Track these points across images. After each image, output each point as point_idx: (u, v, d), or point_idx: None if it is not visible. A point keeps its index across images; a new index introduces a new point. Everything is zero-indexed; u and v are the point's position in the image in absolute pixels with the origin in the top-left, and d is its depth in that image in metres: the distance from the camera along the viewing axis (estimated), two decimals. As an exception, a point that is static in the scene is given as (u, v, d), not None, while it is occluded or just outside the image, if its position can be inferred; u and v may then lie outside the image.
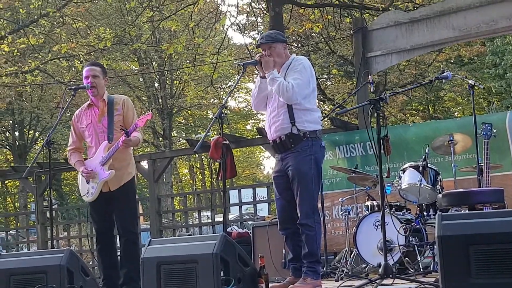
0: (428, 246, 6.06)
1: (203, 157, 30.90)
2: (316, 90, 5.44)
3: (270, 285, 4.80)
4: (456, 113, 24.10)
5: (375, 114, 4.89)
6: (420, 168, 6.28)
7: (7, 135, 26.26)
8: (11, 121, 26.02)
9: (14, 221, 21.62)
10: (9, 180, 26.09)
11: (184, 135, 29.89)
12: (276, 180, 5.31)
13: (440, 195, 6.03)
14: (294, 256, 5.24)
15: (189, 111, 26.88)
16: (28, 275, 5.25)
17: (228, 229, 8.85)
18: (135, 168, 6.07)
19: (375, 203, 6.62)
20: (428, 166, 6.33)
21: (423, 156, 6.37)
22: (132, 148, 6.00)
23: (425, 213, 6.28)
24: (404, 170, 6.43)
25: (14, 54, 15.98)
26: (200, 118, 28.58)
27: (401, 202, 6.59)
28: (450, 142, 6.48)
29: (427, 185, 6.23)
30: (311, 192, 5.13)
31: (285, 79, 5.15)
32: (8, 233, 12.83)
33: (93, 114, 5.89)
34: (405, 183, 6.31)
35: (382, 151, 4.97)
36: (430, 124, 10.39)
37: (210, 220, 9.99)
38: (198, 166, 34.38)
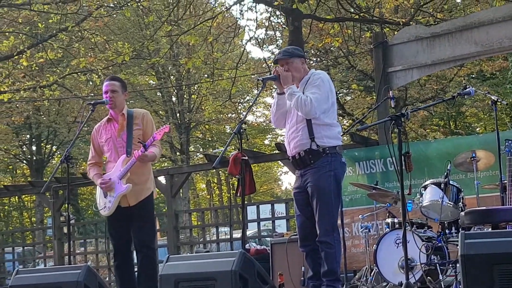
0: (450, 265, 6.00)
1: (220, 172, 30.94)
2: (336, 105, 5.44)
3: (289, 303, 4.78)
4: (477, 129, 23.92)
5: (396, 130, 4.87)
6: (442, 185, 6.23)
7: (24, 149, 26.48)
8: (28, 136, 26.26)
9: (31, 236, 21.78)
10: (26, 195, 26.32)
11: (201, 149, 29.98)
12: (296, 197, 5.31)
13: (462, 213, 5.96)
14: (314, 274, 5.22)
15: (206, 126, 26.98)
16: (45, 291, 5.28)
17: (246, 246, 8.84)
18: (154, 183, 6.08)
19: (396, 220, 6.57)
20: (450, 183, 6.28)
21: (445, 173, 6.33)
22: (151, 163, 6.02)
23: (447, 231, 6.23)
24: (425, 187, 6.38)
25: (33, 68, 16.18)
26: (218, 133, 28.67)
27: (423, 220, 6.54)
28: (472, 158, 6.43)
29: (449, 202, 6.18)
30: (330, 209, 5.11)
31: (303, 94, 5.16)
32: (25, 248, 12.90)
33: (113, 129, 5.92)
34: (426, 200, 6.27)
35: (404, 168, 4.94)
36: (452, 140, 10.34)
37: (228, 236, 9.97)
38: (216, 181, 34.42)
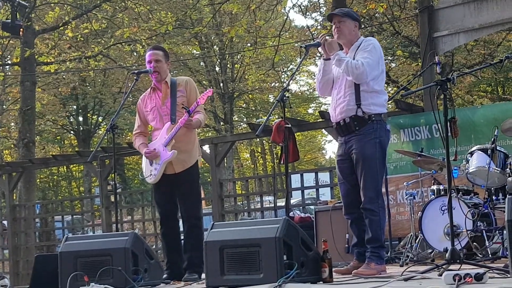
0: (497, 231, 5.94)
1: (264, 141, 31.00)
2: (385, 72, 5.37)
3: (334, 269, 4.80)
4: (527, 95, 23.37)
5: (442, 96, 4.81)
6: (489, 151, 6.15)
7: (71, 120, 26.95)
8: (75, 106, 26.68)
9: (79, 205, 22.28)
10: (74, 165, 26.83)
11: (245, 119, 30.03)
12: (340, 164, 5.29)
13: (510, 179, 5.89)
14: (358, 241, 5.23)
15: (250, 95, 26.97)
16: (94, 257, 5.39)
17: (290, 214, 8.88)
18: (200, 152, 6.14)
19: (441, 187, 6.53)
20: (497, 149, 6.19)
21: (492, 139, 6.23)
22: (196, 131, 6.07)
23: (493, 198, 6.16)
24: (471, 153, 6.31)
25: (78, 39, 16.36)
26: (261, 102, 28.64)
27: (469, 186, 6.48)
28: (521, 124, 6.30)
29: (496, 168, 6.09)
30: (375, 176, 5.09)
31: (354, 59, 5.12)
32: (74, 216, 13.19)
33: (157, 97, 5.98)
34: (473, 167, 6.20)
35: (449, 134, 4.89)
36: (499, 106, 10.15)
37: (272, 205, 10.02)
38: (259, 151, 34.52)
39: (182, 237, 6.08)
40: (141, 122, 6.13)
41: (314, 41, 5.47)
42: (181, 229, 6.14)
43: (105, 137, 6.29)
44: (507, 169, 6.10)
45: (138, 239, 5.49)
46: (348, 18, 5.24)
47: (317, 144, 37.30)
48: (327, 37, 5.21)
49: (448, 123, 4.83)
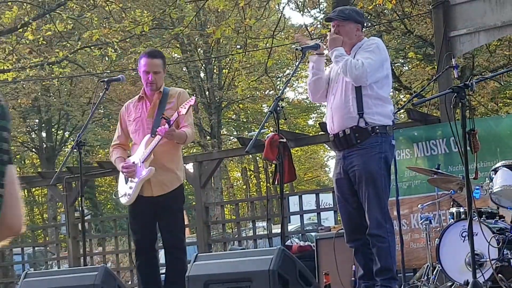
0: (527, 261, 5.95)
1: (257, 158, 31.04)
2: (391, 78, 5.40)
3: (337, 307, 4.81)
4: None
5: (460, 104, 4.83)
6: (516, 168, 6.17)
7: (33, 136, 26.88)
8: (37, 120, 26.65)
9: (42, 235, 22.19)
10: (36, 188, 26.75)
11: (235, 132, 30.09)
12: (339, 184, 5.29)
13: (540, 200, 5.91)
14: (365, 273, 5.23)
15: (240, 105, 27.04)
16: (58, 296, 5.38)
17: (288, 242, 8.87)
18: (184, 173, 6.12)
19: (461, 209, 6.53)
20: (526, 164, 6.22)
21: (520, 153, 6.27)
22: (181, 148, 6.05)
23: (522, 221, 6.18)
24: (496, 170, 6.32)
25: (40, 43, 16.37)
26: (254, 113, 28.72)
27: (493, 209, 6.48)
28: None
29: (525, 187, 6.11)
30: (381, 197, 5.11)
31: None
32: (36, 248, 13.14)
33: (144, 108, 5.95)
34: (497, 186, 6.20)
35: (468, 148, 4.90)
36: (527, 115, 10.20)
37: (266, 232, 10.02)
38: (252, 169, 34.54)
39: (162, 271, 6.06)
40: (121, 133, 6.10)
41: (312, 42, 5.51)
42: (162, 261, 6.12)
43: (71, 155, 6.28)
44: (537, 188, 6.12)
45: (109, 275, 5.47)
46: (349, 22, 5.28)
47: (319, 160, 37.39)
48: (333, 31, 5.25)
49: (467, 136, 4.85)
